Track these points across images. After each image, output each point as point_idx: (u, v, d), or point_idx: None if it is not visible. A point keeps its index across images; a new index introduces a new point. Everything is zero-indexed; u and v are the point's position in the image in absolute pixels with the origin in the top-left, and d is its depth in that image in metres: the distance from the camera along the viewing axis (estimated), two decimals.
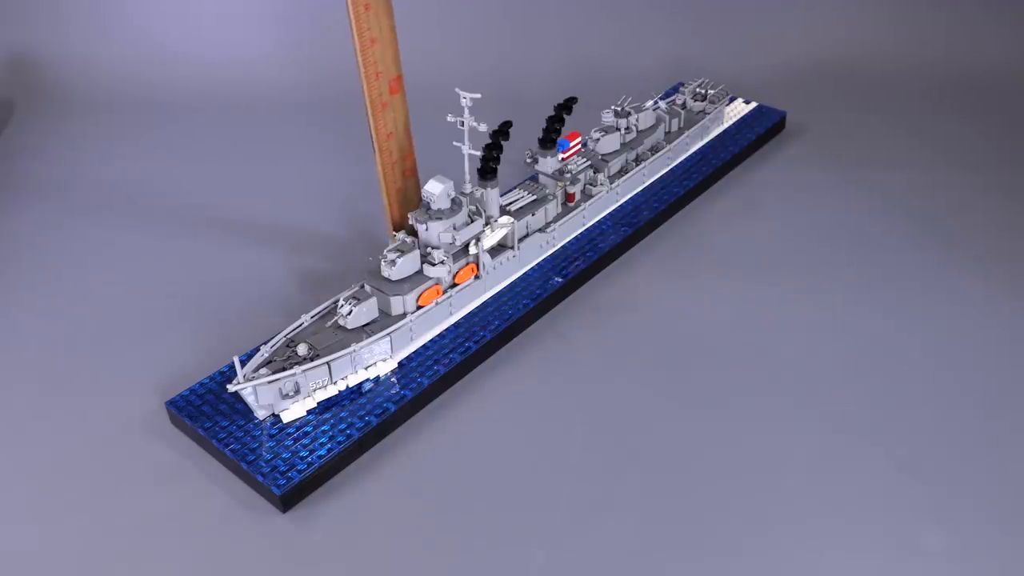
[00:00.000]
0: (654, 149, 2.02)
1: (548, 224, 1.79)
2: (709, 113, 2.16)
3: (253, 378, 1.39)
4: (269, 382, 1.39)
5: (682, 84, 2.27)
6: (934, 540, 1.29)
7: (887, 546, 1.28)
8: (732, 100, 2.31)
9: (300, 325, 1.52)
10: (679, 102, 2.17)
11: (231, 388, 1.38)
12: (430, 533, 1.31)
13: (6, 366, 1.63)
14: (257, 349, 1.50)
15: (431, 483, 1.39)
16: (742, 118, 2.27)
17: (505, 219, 1.68)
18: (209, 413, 1.44)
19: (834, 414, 1.50)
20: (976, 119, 2.36)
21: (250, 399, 1.42)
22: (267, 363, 1.44)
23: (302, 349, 1.46)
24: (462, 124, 1.59)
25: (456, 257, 1.61)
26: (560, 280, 1.73)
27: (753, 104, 2.32)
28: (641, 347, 1.64)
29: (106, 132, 2.34)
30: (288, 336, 1.50)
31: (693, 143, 2.14)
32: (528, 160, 1.83)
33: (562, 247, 1.82)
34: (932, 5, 2.63)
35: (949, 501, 1.35)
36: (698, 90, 2.20)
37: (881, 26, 2.63)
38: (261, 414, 1.43)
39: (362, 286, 1.56)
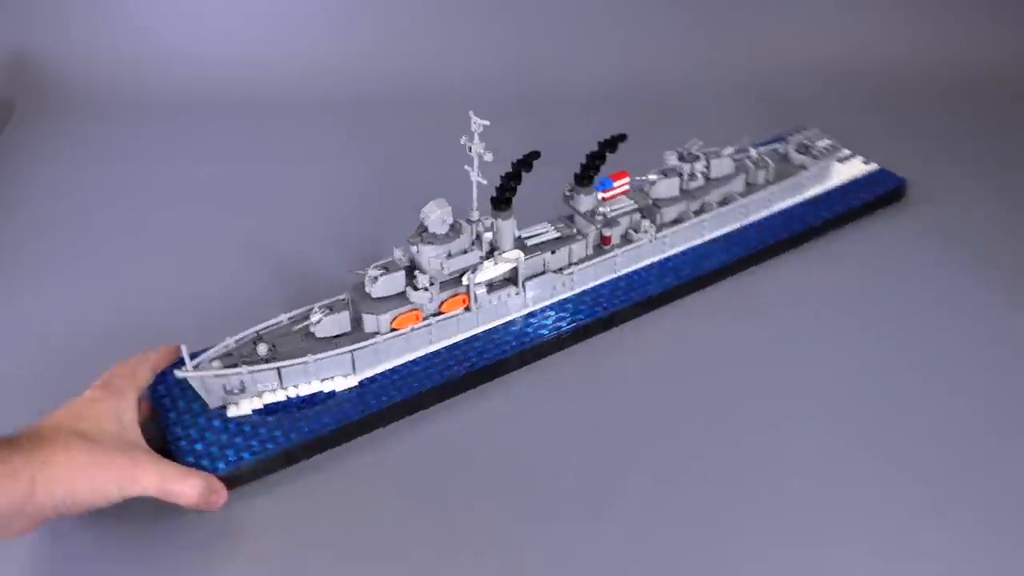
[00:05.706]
0: (724, 201, 1.84)
1: (569, 265, 1.68)
2: (808, 168, 1.93)
3: (200, 368, 1.42)
4: (216, 376, 1.41)
5: (790, 134, 2.04)
6: (934, 540, 1.27)
7: (889, 548, 1.27)
8: (848, 158, 2.06)
9: (277, 323, 1.52)
10: (780, 151, 1.96)
11: (179, 375, 1.41)
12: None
13: (4, 366, 1.62)
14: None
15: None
16: (852, 180, 2.01)
17: (511, 254, 1.59)
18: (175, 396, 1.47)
19: (834, 415, 1.48)
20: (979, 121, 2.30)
21: (198, 387, 1.44)
22: (227, 355, 1.46)
23: (262, 349, 1.47)
24: (471, 149, 1.51)
25: (446, 285, 1.55)
26: (562, 327, 1.62)
27: (874, 166, 2.05)
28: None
29: (106, 132, 2.34)
30: (258, 332, 1.50)
31: (779, 200, 1.92)
32: (567, 193, 1.73)
33: (580, 292, 1.70)
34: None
35: (951, 502, 1.34)
36: (804, 142, 1.98)
37: None
38: (212, 402, 1.45)
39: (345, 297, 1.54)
